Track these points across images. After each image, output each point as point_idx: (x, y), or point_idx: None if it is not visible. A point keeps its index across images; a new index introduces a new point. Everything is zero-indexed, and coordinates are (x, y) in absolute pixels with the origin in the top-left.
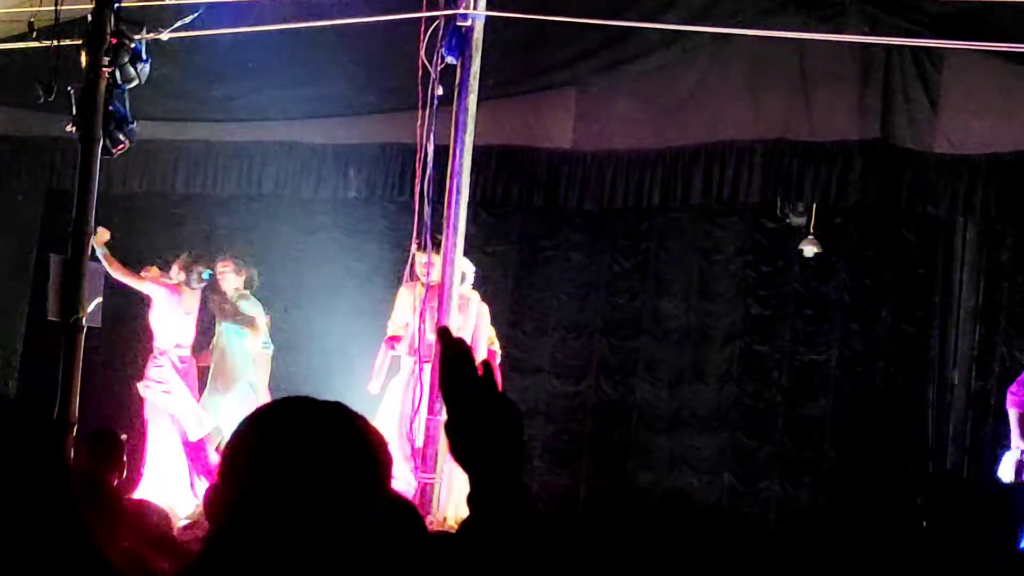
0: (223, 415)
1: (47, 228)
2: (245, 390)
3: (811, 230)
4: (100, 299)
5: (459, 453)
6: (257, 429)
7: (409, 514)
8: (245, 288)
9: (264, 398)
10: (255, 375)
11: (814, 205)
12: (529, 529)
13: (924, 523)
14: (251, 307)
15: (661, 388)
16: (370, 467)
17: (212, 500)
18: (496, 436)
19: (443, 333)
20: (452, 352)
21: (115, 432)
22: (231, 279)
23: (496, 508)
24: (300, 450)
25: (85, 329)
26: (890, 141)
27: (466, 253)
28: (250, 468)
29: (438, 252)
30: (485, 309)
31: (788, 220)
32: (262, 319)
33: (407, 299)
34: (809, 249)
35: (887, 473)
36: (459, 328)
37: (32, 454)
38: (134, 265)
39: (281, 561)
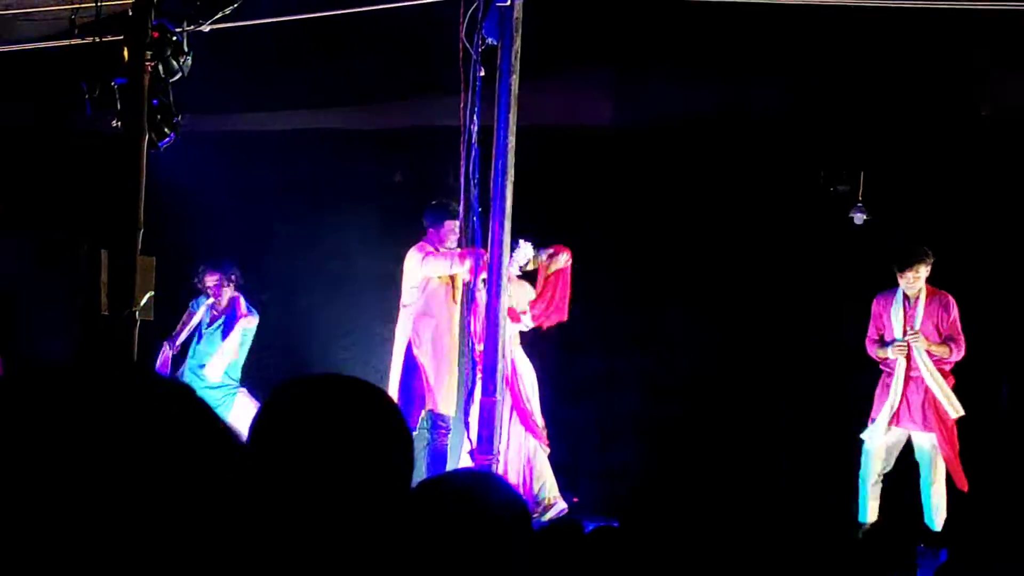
0: None
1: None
2: None
3: (859, 198)
4: (152, 292)
5: None
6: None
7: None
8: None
9: None
10: None
11: (861, 175)
12: None
13: None
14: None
15: (695, 360)
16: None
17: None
18: None
19: None
20: None
21: None
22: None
23: None
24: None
25: (139, 322)
26: (934, 107)
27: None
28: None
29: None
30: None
31: (834, 189)
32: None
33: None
34: (859, 217)
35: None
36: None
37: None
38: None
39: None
